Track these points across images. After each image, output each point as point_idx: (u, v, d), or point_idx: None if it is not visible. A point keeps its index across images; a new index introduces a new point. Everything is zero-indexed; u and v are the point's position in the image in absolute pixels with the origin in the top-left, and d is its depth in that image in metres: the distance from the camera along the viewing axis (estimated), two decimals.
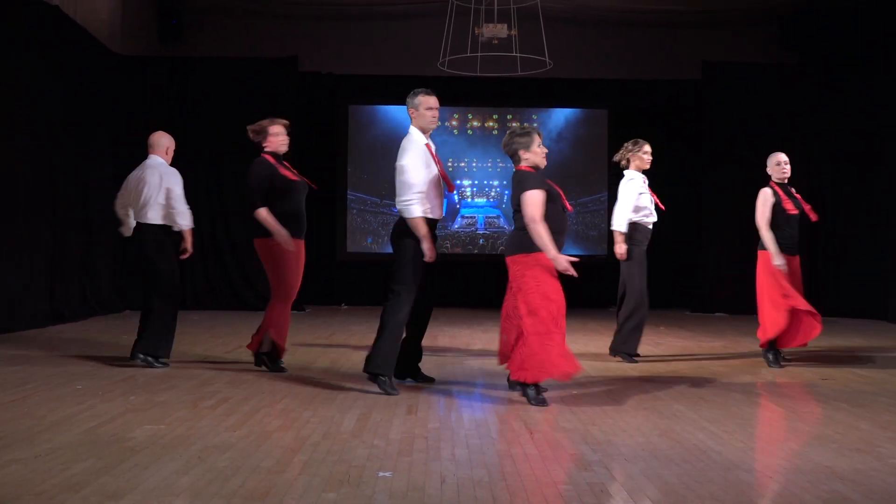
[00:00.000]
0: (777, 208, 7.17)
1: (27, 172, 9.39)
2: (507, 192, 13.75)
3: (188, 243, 6.77)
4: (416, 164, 5.76)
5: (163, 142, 6.87)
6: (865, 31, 12.17)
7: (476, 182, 13.81)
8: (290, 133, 6.71)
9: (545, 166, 5.60)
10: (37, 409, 5.05)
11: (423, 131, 5.91)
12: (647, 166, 7.37)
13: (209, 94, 12.34)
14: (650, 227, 7.34)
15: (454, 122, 13.83)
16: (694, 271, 12.77)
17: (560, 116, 13.86)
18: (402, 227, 5.79)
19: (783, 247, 7.10)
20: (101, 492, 3.46)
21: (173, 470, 3.79)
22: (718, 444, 4.45)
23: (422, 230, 5.69)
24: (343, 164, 13.64)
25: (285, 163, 6.62)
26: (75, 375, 6.26)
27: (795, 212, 7.23)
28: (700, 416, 5.14)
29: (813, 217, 7.38)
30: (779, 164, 7.33)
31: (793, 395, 5.96)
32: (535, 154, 5.53)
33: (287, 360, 6.76)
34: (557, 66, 11.41)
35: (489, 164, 13.84)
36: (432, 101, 5.90)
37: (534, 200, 5.32)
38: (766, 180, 7.41)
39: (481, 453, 4.20)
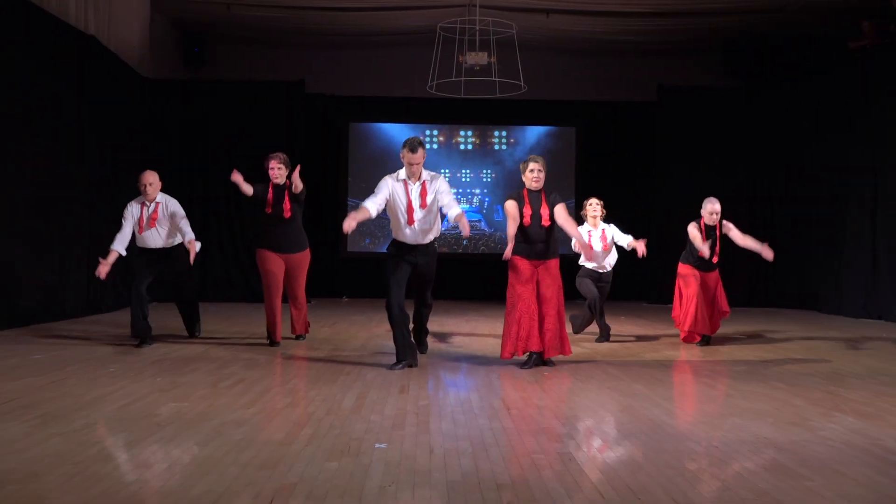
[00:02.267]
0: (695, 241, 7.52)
1: (68, 176, 9.33)
2: (487, 199, 13.79)
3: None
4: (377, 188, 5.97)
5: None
6: (791, 56, 12.29)
7: (460, 190, 13.79)
8: (287, 163, 6.94)
9: (535, 186, 6.21)
10: (74, 389, 5.01)
11: (407, 173, 5.98)
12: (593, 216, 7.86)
13: (226, 114, 12.28)
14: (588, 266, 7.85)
15: (441, 139, 13.82)
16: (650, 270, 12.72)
17: (533, 133, 13.86)
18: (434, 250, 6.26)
19: (699, 264, 7.51)
20: (132, 461, 3.45)
21: (195, 443, 3.77)
22: (671, 419, 4.46)
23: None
24: (344, 174, 13.63)
25: (292, 188, 6.83)
26: (108, 360, 6.23)
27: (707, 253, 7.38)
28: (656, 395, 5.15)
29: (714, 258, 7.50)
30: (711, 215, 7.43)
31: (736, 376, 5.98)
32: (525, 177, 6.21)
33: (295, 346, 7.14)
34: (532, 88, 11.42)
35: (472, 175, 13.83)
36: (406, 154, 5.92)
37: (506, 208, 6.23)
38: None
39: (465, 427, 4.19)
